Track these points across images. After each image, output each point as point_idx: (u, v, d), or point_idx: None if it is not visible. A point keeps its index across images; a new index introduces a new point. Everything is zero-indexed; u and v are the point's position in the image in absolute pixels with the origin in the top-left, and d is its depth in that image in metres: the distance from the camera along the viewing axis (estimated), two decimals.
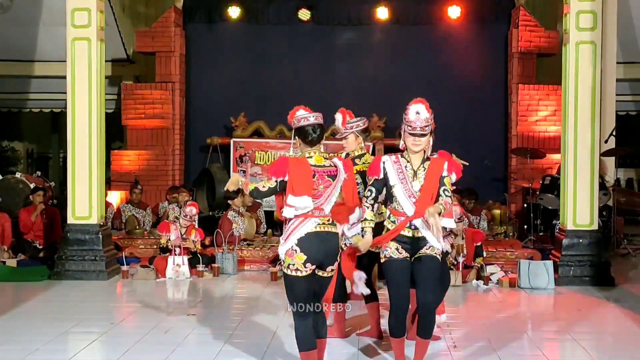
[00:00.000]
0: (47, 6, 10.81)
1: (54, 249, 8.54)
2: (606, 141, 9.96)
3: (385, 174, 4.44)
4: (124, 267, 8.12)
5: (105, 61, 8.38)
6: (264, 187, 4.24)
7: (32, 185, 9.69)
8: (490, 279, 7.75)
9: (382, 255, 4.45)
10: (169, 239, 8.21)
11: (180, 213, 8.78)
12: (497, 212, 10.13)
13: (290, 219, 4.22)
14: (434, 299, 4.49)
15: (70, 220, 8.13)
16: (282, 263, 4.28)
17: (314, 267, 4.21)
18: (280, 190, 4.22)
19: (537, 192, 9.73)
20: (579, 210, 7.90)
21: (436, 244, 4.42)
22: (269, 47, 11.19)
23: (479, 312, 6.56)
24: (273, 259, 8.61)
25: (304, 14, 10.94)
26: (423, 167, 4.44)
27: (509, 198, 10.37)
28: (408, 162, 4.46)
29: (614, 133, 10.20)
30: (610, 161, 10.47)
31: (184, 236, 8.31)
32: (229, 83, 11.14)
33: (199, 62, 11.25)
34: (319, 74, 11.12)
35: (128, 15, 11.44)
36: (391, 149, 10.64)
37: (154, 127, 10.92)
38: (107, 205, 9.64)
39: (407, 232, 4.40)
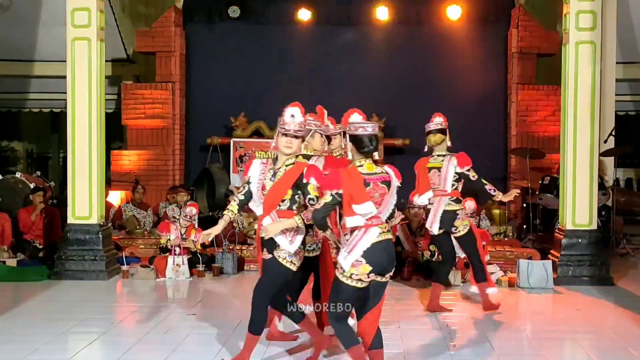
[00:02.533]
0: (47, 6, 10.81)
1: (53, 248, 8.55)
2: (605, 141, 9.97)
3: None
4: (124, 267, 8.13)
5: (105, 61, 8.38)
6: (319, 204, 4.21)
7: (31, 185, 9.69)
8: None
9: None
10: (169, 239, 8.22)
11: (180, 213, 8.79)
12: (496, 212, 10.14)
13: (352, 230, 4.19)
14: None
15: (70, 220, 8.14)
16: (342, 271, 4.22)
17: (375, 276, 4.23)
18: (336, 203, 4.17)
19: (537, 192, 9.74)
20: (578, 210, 7.92)
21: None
22: (269, 47, 11.19)
23: (478, 312, 6.57)
24: None
25: (304, 14, 10.95)
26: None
27: None
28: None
29: (613, 133, 10.21)
30: (610, 161, 10.48)
31: (184, 236, 8.32)
32: (229, 83, 11.14)
33: (199, 62, 11.25)
34: (319, 74, 11.11)
35: (128, 15, 11.45)
36: (391, 149, 10.66)
37: (154, 127, 10.92)
38: (109, 206, 9.65)
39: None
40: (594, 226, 7.97)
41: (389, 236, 4.28)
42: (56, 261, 8.11)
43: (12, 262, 8.34)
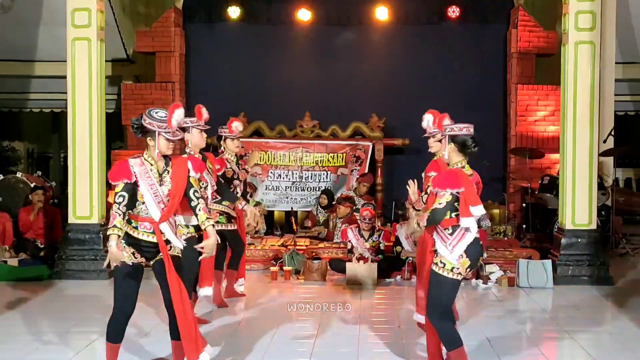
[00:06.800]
0: (47, 6, 10.81)
1: (54, 248, 8.56)
2: (605, 141, 9.98)
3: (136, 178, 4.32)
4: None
5: (105, 61, 8.40)
6: (440, 203, 4.28)
7: (32, 185, 9.70)
8: (489, 278, 7.79)
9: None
10: None
11: None
12: (496, 211, 10.16)
13: (453, 226, 4.32)
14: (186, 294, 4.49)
15: (71, 219, 8.16)
16: (442, 266, 4.36)
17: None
18: (453, 202, 4.28)
19: (536, 192, 9.74)
20: (577, 209, 7.94)
21: (177, 243, 4.45)
22: (269, 47, 11.19)
23: (478, 311, 6.59)
24: (274, 257, 8.64)
25: (304, 14, 10.95)
26: (167, 170, 4.40)
27: (507, 198, 10.39)
28: (153, 164, 4.39)
29: (612, 133, 10.22)
30: (609, 161, 10.50)
31: None
32: (228, 83, 11.14)
33: (199, 62, 11.25)
34: (319, 74, 11.12)
35: (128, 15, 11.45)
36: (391, 149, 10.67)
37: None
38: (110, 206, 9.64)
39: (149, 237, 4.34)
40: (594, 226, 7.99)
41: (477, 235, 4.46)
42: (57, 261, 8.13)
43: (13, 262, 8.34)
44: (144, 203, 4.31)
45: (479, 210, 4.26)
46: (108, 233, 4.24)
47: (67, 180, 8.44)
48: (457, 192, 4.25)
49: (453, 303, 4.56)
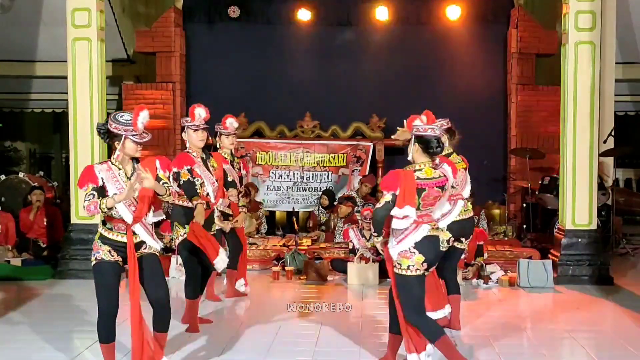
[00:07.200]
0: (47, 6, 10.82)
1: (57, 248, 8.58)
2: (605, 141, 10.00)
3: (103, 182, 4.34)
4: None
5: (106, 61, 8.41)
6: (380, 203, 4.37)
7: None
8: (490, 278, 7.81)
9: (92, 258, 4.43)
10: (172, 239, 8.23)
11: None
12: (496, 212, 10.18)
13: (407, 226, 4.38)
14: (166, 292, 4.56)
15: (74, 219, 8.18)
16: (399, 266, 4.43)
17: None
18: (394, 202, 4.32)
19: (537, 192, 9.77)
20: (578, 210, 7.96)
21: (153, 244, 4.48)
22: (269, 47, 11.20)
23: (479, 311, 6.62)
24: (275, 257, 8.66)
25: (304, 14, 10.97)
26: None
27: (508, 198, 10.41)
28: (120, 169, 4.42)
29: (612, 133, 10.24)
30: (609, 161, 10.52)
31: None
32: (229, 83, 11.14)
33: (199, 62, 11.26)
34: (319, 74, 11.13)
35: (128, 15, 11.45)
36: (391, 149, 10.69)
37: (154, 127, 10.90)
38: None
39: (122, 238, 4.38)
40: (594, 226, 8.01)
41: (437, 233, 4.50)
42: (60, 260, 8.14)
43: (16, 262, 8.36)
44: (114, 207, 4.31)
45: (402, 211, 4.28)
46: (104, 206, 4.19)
47: (69, 180, 8.46)
48: (394, 194, 4.30)
49: (424, 297, 4.56)
